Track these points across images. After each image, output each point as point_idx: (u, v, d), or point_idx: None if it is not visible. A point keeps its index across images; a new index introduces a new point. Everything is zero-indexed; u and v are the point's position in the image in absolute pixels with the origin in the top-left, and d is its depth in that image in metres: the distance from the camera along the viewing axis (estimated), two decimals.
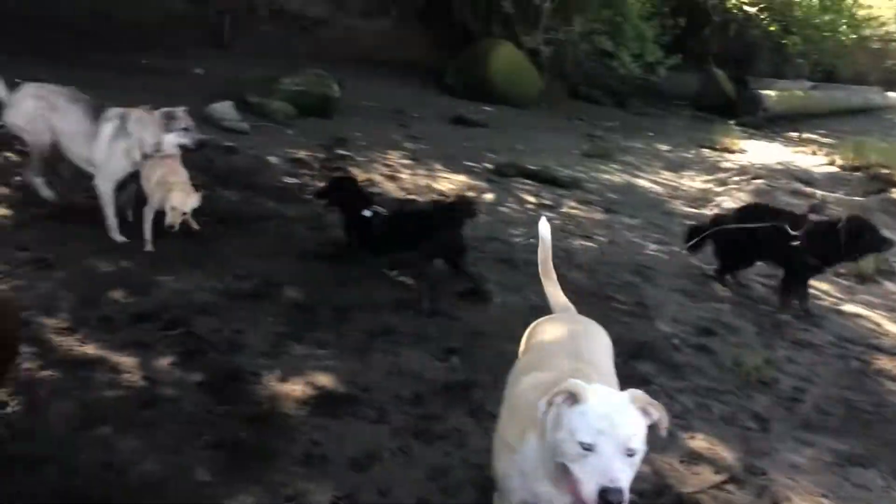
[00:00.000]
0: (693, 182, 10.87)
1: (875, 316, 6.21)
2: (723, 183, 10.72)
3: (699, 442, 3.88)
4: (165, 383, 3.64)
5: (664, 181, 10.68)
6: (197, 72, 11.31)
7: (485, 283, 5.30)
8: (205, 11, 13.43)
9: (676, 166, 11.83)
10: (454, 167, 8.93)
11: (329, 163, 8.07)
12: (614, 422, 2.04)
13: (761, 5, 20.73)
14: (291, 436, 3.40)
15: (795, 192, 10.08)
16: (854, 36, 23.28)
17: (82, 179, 5.42)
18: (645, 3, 17.53)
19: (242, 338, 4.18)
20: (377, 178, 7.86)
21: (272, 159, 7.77)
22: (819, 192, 10.20)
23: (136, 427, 3.28)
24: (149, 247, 5.12)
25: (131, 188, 5.41)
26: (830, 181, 11.25)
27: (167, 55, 11.47)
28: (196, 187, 5.28)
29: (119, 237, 5.18)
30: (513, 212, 7.67)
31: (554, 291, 3.31)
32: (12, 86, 5.35)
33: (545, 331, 2.95)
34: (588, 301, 5.40)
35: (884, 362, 5.28)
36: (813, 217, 6.13)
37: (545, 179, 9.09)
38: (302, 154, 8.16)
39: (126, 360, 3.77)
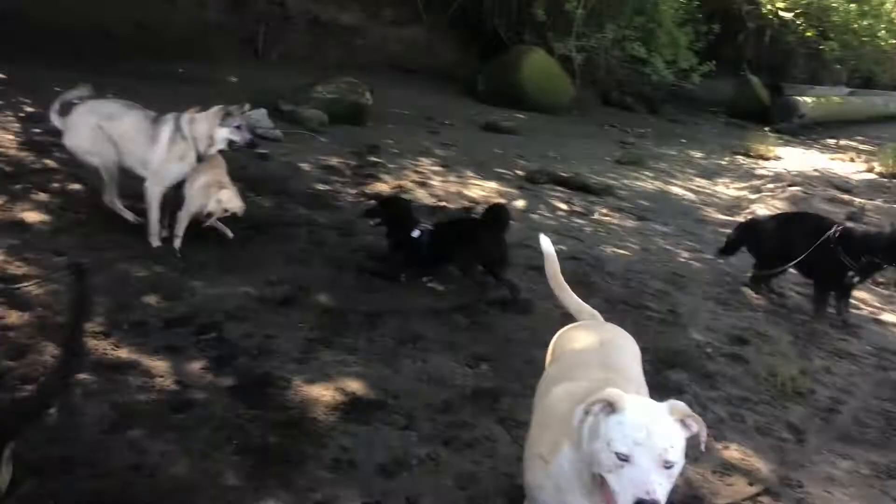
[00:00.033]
0: (727, 189, 10.74)
1: None
2: (757, 190, 10.58)
3: (733, 453, 3.82)
4: (197, 387, 3.67)
5: (697, 188, 10.57)
6: (231, 80, 11.44)
7: (519, 292, 5.28)
8: (240, 21, 13.60)
9: (710, 173, 11.70)
10: (485, 174, 8.92)
11: (361, 170, 8.11)
12: (652, 433, 2.00)
13: (797, 11, 20.44)
14: (320, 441, 3.40)
15: (832, 200, 9.91)
16: (893, 41, 22.82)
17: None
18: (679, 9, 17.38)
19: (273, 343, 4.21)
20: (408, 184, 7.87)
21: (304, 166, 7.83)
22: (857, 200, 10.02)
23: (167, 430, 3.31)
24: (177, 251, 5.17)
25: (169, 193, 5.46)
26: (869, 188, 11.05)
27: (202, 64, 11.62)
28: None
29: (157, 242, 5.24)
30: (544, 219, 7.64)
31: (573, 300, 3.27)
32: (55, 98, 5.42)
33: (573, 339, 2.92)
34: (620, 309, 5.38)
35: None
36: (850, 224, 6.01)
37: (577, 186, 9.04)
38: (334, 161, 8.21)
39: (158, 364, 3.81)
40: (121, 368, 3.71)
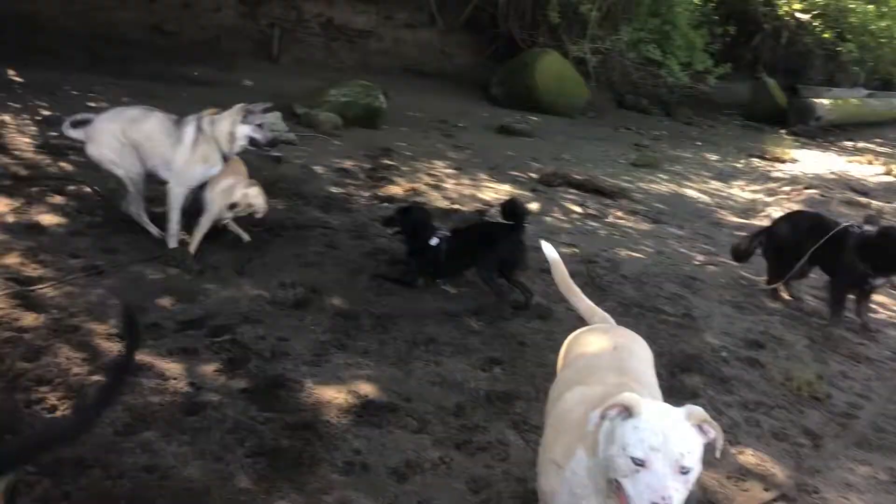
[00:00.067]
0: (742, 192, 10.67)
1: None
2: (773, 193, 10.50)
3: (748, 457, 3.78)
4: (210, 390, 3.68)
5: (712, 191, 10.50)
6: (246, 83, 11.50)
7: (532, 295, 5.26)
8: (255, 24, 13.67)
9: (725, 176, 11.63)
10: (499, 176, 8.91)
11: (374, 173, 8.12)
12: (668, 438, 1.98)
13: (814, 12, 20.29)
14: (333, 444, 3.40)
15: (850, 203, 9.82)
16: None
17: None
18: (694, 11, 17.30)
19: (286, 346, 4.21)
20: (422, 187, 7.87)
21: (318, 169, 7.84)
22: (875, 203, 9.93)
23: (180, 433, 3.31)
24: (191, 256, 5.17)
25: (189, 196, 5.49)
26: (886, 191, 10.96)
27: (217, 67, 11.69)
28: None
29: (174, 243, 5.25)
30: (558, 221, 7.61)
31: (584, 303, 3.25)
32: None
33: (584, 343, 2.89)
34: (635, 313, 5.35)
35: None
36: (868, 227, 5.92)
37: (591, 189, 9.00)
38: (347, 164, 8.22)
39: (172, 367, 3.82)
40: (134, 370, 3.72)
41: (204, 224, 5.27)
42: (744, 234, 7.12)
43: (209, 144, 5.22)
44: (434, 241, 5.27)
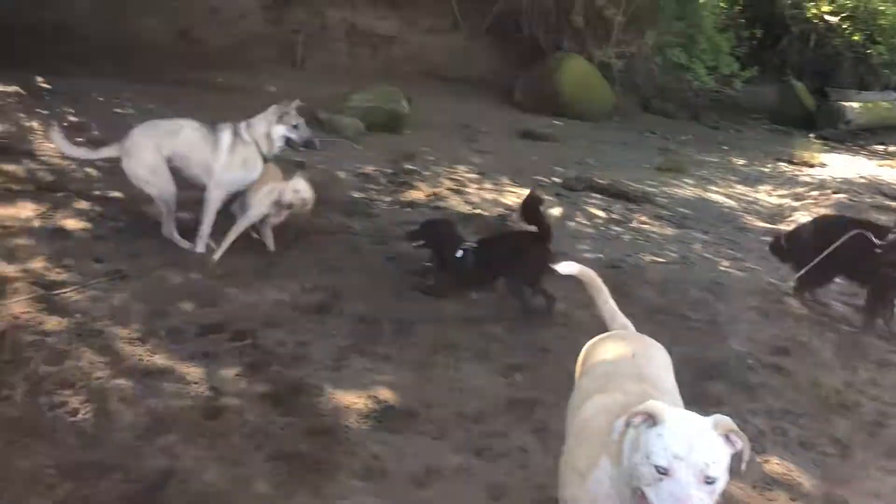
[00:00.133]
0: (769, 197, 10.52)
1: None
2: (800, 198, 10.34)
3: (774, 466, 3.71)
4: (230, 394, 3.69)
5: (739, 196, 10.37)
6: (270, 89, 11.55)
7: (555, 301, 5.22)
8: (280, 30, 13.74)
9: (752, 181, 11.48)
10: (522, 181, 8.86)
11: (396, 178, 8.12)
12: (693, 447, 1.95)
13: (843, 14, 20.03)
14: (352, 449, 3.39)
15: (880, 207, 9.64)
16: None
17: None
18: (720, 14, 17.14)
19: (306, 350, 4.21)
20: (444, 192, 7.86)
21: (341, 174, 7.86)
22: None
23: (200, 437, 3.32)
24: (217, 256, 5.21)
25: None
26: None
27: (242, 73, 11.76)
28: None
29: (202, 247, 5.30)
30: (581, 226, 7.56)
31: (609, 307, 3.22)
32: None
33: (603, 351, 2.86)
34: (659, 318, 5.28)
35: None
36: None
37: (615, 194, 8.92)
38: (370, 169, 8.23)
39: (193, 371, 3.83)
40: (156, 374, 3.75)
41: (238, 228, 5.32)
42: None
43: (247, 148, 5.29)
44: (459, 254, 5.25)
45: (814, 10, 19.89)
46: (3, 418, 3.26)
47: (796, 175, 12.03)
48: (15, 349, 3.75)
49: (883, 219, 8.51)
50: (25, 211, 5.42)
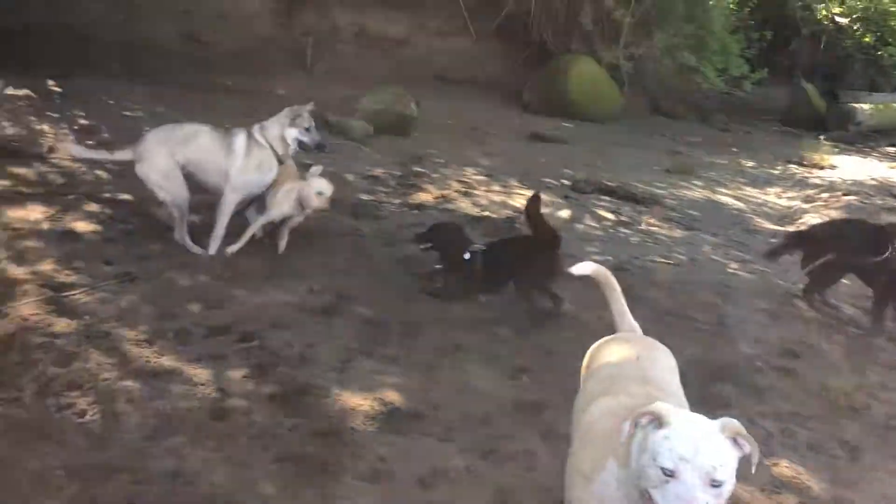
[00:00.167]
0: (778, 199, 10.48)
1: None
2: (810, 200, 10.30)
3: (783, 470, 3.69)
4: (237, 395, 3.70)
5: (748, 198, 10.33)
6: (280, 93, 11.59)
7: (562, 303, 5.21)
8: (290, 34, 13.79)
9: (761, 183, 11.44)
10: (530, 183, 8.85)
11: (405, 180, 8.12)
12: (699, 449, 1.94)
13: (854, 16, 19.95)
14: (358, 451, 3.39)
15: (891, 210, 9.58)
16: None
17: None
18: (730, 16, 17.08)
19: (313, 352, 4.22)
20: (452, 194, 7.86)
21: (349, 177, 7.87)
22: None
23: (206, 438, 3.33)
24: (234, 248, 5.30)
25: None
26: None
27: (251, 76, 11.80)
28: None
29: (214, 249, 5.33)
30: (590, 228, 7.55)
31: (618, 307, 3.21)
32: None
33: (607, 353, 2.86)
34: (667, 321, 5.26)
35: None
36: None
37: (624, 196, 8.91)
38: (378, 171, 8.24)
39: (200, 372, 3.84)
40: (163, 376, 3.76)
41: (257, 223, 5.41)
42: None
43: (262, 151, 5.33)
44: (467, 256, 5.25)
45: (824, 12, 19.83)
46: (11, 419, 3.27)
47: (806, 177, 11.97)
48: (24, 351, 3.77)
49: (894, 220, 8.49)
50: (35, 213, 5.45)
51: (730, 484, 1.97)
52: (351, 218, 6.60)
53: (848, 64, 20.60)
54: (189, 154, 5.25)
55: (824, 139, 16.02)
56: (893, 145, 16.01)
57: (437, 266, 5.46)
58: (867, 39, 20.07)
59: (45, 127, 7.57)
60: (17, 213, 5.40)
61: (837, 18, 19.95)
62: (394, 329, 4.64)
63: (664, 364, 2.75)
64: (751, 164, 12.89)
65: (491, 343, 4.64)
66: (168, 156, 5.19)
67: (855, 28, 20.03)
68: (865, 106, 17.78)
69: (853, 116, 17.24)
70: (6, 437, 3.16)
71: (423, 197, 7.63)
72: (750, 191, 10.82)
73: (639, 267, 6.44)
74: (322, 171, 5.57)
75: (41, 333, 3.95)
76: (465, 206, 7.55)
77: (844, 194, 10.34)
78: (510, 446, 3.58)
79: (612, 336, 3.04)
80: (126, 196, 6.04)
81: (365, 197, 7.33)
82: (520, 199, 8.03)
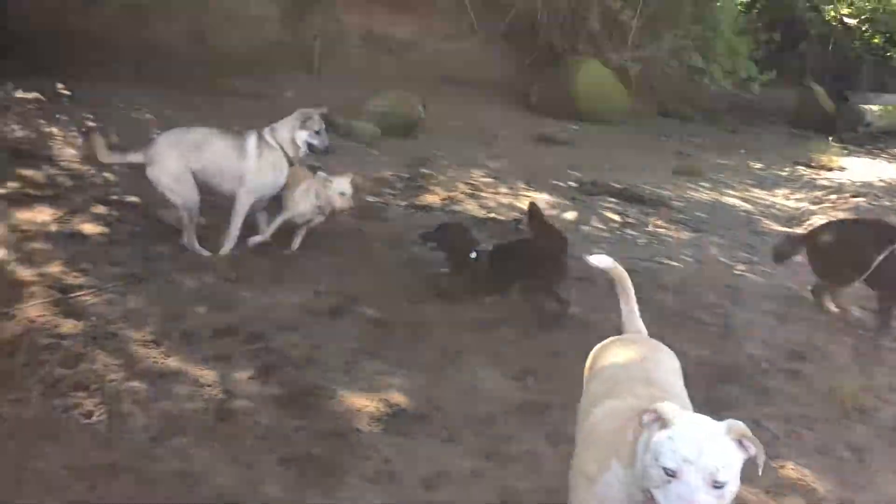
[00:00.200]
0: (786, 201, 10.44)
1: None
2: (818, 202, 10.25)
3: (789, 472, 3.67)
4: (243, 397, 3.71)
5: (755, 199, 10.30)
6: (287, 95, 11.61)
7: (568, 305, 5.21)
8: (297, 36, 13.82)
9: (769, 184, 11.40)
10: (537, 185, 8.85)
11: (411, 182, 8.13)
12: (702, 450, 1.93)
13: (863, 17, 19.87)
14: (363, 453, 3.39)
15: None
16: None
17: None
18: (737, 17, 17.03)
19: (319, 353, 4.23)
20: (458, 196, 7.86)
21: (356, 179, 7.86)
22: None
23: (212, 439, 3.34)
24: (258, 240, 5.42)
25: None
26: None
27: (260, 79, 11.83)
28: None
29: (227, 250, 5.36)
30: (596, 230, 7.54)
31: (628, 308, 3.20)
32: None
33: (611, 355, 2.85)
34: (673, 322, 5.25)
35: None
36: None
37: (631, 197, 8.89)
38: (385, 173, 8.25)
39: (206, 373, 3.86)
40: (169, 377, 3.78)
41: (278, 220, 5.48)
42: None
43: (273, 152, 5.36)
44: (473, 255, 5.25)
45: (833, 13, 19.75)
46: (18, 420, 3.29)
47: (814, 179, 11.92)
48: (31, 352, 3.79)
49: None
50: (43, 215, 5.48)
51: (733, 486, 1.96)
52: (357, 219, 6.60)
53: (857, 65, 20.52)
54: (205, 161, 5.27)
55: (833, 141, 15.95)
56: None
57: (443, 269, 5.47)
58: (876, 40, 19.99)
59: (55, 129, 7.61)
60: (25, 215, 5.43)
61: (846, 20, 19.87)
62: (399, 330, 4.64)
63: (668, 366, 2.74)
64: (759, 165, 12.86)
65: (496, 345, 4.64)
66: (178, 159, 5.20)
67: (864, 29, 19.96)
68: (875, 107, 17.70)
69: (862, 118, 17.17)
70: (13, 437, 3.18)
71: (430, 199, 7.64)
72: (758, 192, 10.78)
73: (646, 269, 6.42)
74: (345, 172, 5.66)
75: (48, 335, 3.97)
76: (471, 207, 7.55)
77: (853, 196, 10.29)
78: (515, 448, 3.58)
79: (615, 338, 3.04)
80: (133, 198, 6.07)
81: (372, 199, 7.34)
82: (527, 202, 8.03)
